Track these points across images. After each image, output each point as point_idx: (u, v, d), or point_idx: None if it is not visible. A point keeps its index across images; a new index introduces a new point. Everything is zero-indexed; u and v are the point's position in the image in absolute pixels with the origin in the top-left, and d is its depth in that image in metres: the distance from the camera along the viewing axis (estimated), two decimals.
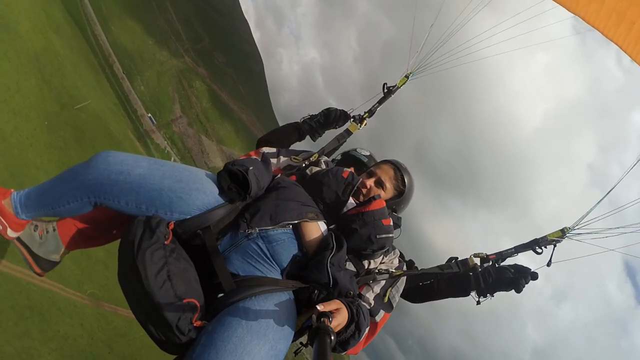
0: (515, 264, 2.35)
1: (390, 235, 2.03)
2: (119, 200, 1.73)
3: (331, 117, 2.69)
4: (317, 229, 1.91)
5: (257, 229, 1.80)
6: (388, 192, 2.41)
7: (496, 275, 2.28)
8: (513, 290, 2.29)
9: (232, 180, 1.84)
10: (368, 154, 2.94)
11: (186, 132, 63.40)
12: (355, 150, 2.96)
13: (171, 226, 1.70)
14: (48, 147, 11.97)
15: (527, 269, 2.29)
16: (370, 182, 2.38)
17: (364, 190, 2.33)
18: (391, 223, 2.05)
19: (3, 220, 1.84)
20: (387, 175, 2.42)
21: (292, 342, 1.68)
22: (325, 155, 2.58)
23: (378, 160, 2.73)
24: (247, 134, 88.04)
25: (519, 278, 2.25)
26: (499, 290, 2.31)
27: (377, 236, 1.95)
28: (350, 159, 2.93)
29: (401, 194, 2.44)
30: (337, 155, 2.90)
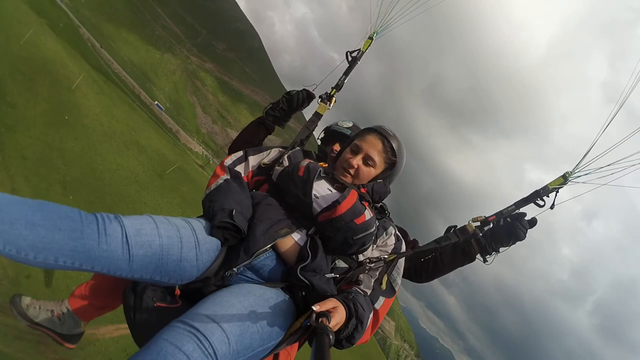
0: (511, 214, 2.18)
1: (369, 231, 1.89)
2: (132, 274, 1.52)
3: (294, 102, 2.45)
4: (290, 242, 1.85)
5: (237, 269, 1.74)
6: (378, 167, 2.14)
7: (491, 232, 2.19)
8: (517, 241, 2.17)
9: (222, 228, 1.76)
10: (350, 124, 2.81)
11: (213, 130, 67.01)
12: (336, 124, 2.83)
13: (177, 292, 1.68)
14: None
15: (520, 214, 2.16)
16: (356, 161, 2.09)
17: (352, 171, 2.09)
18: (367, 218, 1.86)
19: None
20: (374, 149, 2.12)
21: (292, 343, 1.62)
22: (299, 145, 2.36)
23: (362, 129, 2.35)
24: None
25: (513, 225, 2.12)
26: (501, 245, 2.19)
27: (354, 238, 1.85)
28: (333, 134, 2.81)
29: (393, 166, 2.17)
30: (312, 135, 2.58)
